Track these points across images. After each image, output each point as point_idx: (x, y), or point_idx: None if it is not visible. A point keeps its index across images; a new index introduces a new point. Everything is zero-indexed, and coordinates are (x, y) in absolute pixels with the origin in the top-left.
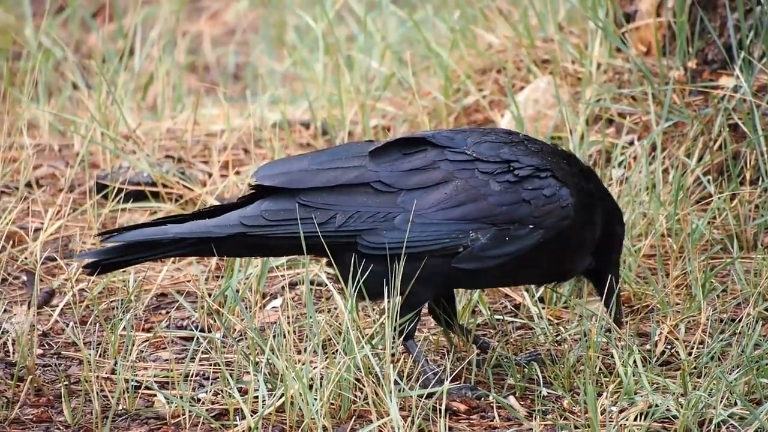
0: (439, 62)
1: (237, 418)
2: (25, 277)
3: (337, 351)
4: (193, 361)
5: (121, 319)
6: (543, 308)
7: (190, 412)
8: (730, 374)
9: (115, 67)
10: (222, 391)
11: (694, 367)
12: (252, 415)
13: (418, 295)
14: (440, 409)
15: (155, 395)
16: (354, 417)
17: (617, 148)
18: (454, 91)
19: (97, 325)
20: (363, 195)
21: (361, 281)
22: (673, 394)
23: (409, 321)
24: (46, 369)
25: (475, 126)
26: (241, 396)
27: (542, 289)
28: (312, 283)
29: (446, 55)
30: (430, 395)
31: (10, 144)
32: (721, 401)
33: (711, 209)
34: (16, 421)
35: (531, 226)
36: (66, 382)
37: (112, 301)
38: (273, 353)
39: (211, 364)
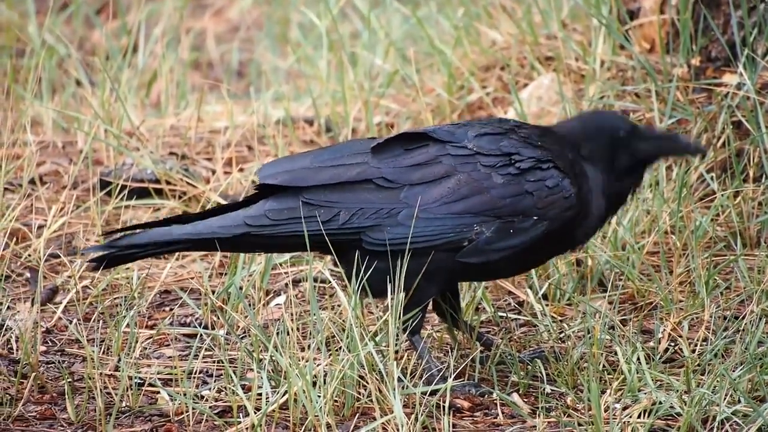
0: (443, 59)
1: (240, 415)
2: (28, 274)
3: (340, 348)
4: (197, 358)
5: (124, 316)
6: (546, 305)
7: (193, 409)
8: (733, 371)
9: (118, 64)
10: (225, 388)
11: (698, 365)
12: (255, 413)
13: (423, 290)
14: (444, 406)
15: (159, 392)
16: (357, 414)
17: None
18: (458, 88)
19: (101, 322)
20: (366, 191)
21: (365, 278)
22: (677, 391)
23: (416, 316)
24: (49, 366)
25: (472, 119)
26: (244, 393)
27: (546, 286)
28: (315, 280)
29: (450, 52)
30: (433, 392)
31: (13, 141)
32: (725, 398)
33: (714, 206)
34: (19, 418)
35: (535, 218)
36: (69, 379)
37: (115, 298)
38: (276, 350)
39: (214, 361)
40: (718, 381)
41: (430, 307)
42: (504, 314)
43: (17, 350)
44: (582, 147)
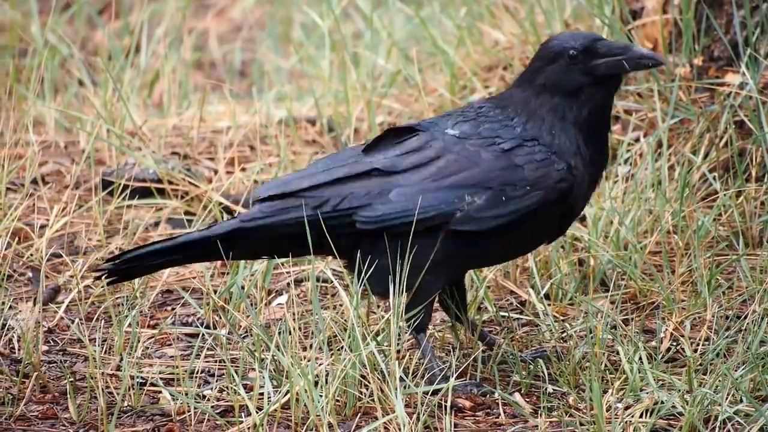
0: (446, 59)
1: (242, 414)
2: (30, 274)
3: (342, 348)
4: (199, 358)
5: (126, 316)
6: (548, 305)
7: (195, 408)
8: (735, 371)
9: (121, 64)
10: (227, 387)
11: (700, 364)
12: (257, 412)
13: (428, 285)
14: (446, 406)
15: (160, 392)
16: (359, 414)
17: (623, 144)
18: (461, 88)
19: (103, 321)
20: (358, 180)
21: (367, 278)
22: (679, 391)
23: (421, 313)
24: (51, 366)
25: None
26: (246, 393)
27: (548, 285)
28: (318, 279)
29: (452, 52)
30: (435, 392)
31: (15, 141)
32: (727, 398)
33: (717, 206)
34: (21, 418)
35: (528, 187)
36: (71, 379)
37: (117, 298)
38: (278, 350)
39: (216, 361)
40: (720, 381)
41: (436, 303)
42: (506, 314)
43: (19, 350)
44: (538, 76)
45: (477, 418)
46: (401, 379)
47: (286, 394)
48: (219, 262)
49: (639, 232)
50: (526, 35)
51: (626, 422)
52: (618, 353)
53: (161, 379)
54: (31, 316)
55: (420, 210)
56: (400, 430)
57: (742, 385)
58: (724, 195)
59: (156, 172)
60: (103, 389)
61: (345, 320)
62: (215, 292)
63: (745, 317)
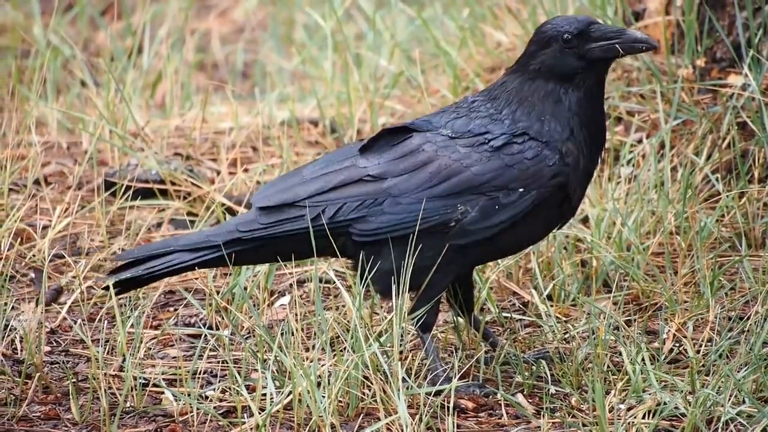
0: (448, 60)
1: (245, 415)
2: (33, 275)
3: (345, 348)
4: (201, 359)
5: (129, 317)
6: (551, 306)
7: (198, 409)
8: (738, 372)
9: (123, 64)
10: (230, 388)
11: (703, 365)
12: (260, 413)
13: (434, 284)
14: (448, 407)
15: (163, 392)
16: (362, 414)
17: (626, 146)
18: (463, 89)
19: (105, 322)
20: (352, 188)
21: (370, 278)
22: (681, 391)
23: (427, 312)
24: (53, 366)
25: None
26: (249, 393)
27: (550, 286)
28: (320, 280)
29: (455, 53)
30: (438, 393)
31: (18, 142)
32: (729, 399)
33: (719, 207)
34: (23, 419)
35: (521, 190)
36: (74, 380)
37: (120, 299)
38: (281, 351)
39: (219, 362)
40: (722, 382)
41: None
42: (508, 315)
43: (21, 350)
44: (532, 61)
45: (479, 419)
46: (404, 380)
47: (288, 395)
48: None
49: (642, 233)
50: (528, 36)
51: (629, 423)
52: (621, 354)
53: (164, 379)
54: (34, 317)
55: (414, 222)
56: (402, 430)
57: (745, 386)
58: (727, 196)
59: (158, 173)
60: (105, 390)
61: (348, 321)
62: (218, 292)
63: (748, 318)
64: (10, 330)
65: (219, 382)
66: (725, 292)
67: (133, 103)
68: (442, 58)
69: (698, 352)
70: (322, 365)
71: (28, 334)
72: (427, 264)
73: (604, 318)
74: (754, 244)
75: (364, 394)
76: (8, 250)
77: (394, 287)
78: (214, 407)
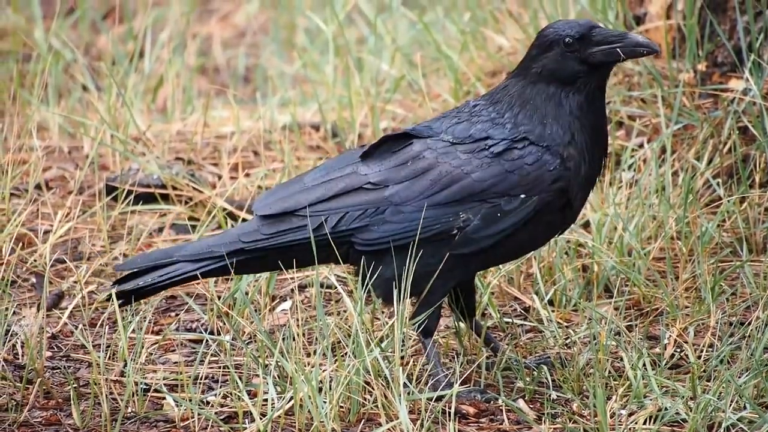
0: (449, 64)
1: (246, 421)
2: (34, 280)
3: (346, 354)
4: (203, 364)
5: (130, 322)
6: (552, 311)
7: (199, 414)
8: (739, 378)
9: (125, 69)
10: (231, 393)
11: (704, 371)
12: (261, 418)
13: (435, 289)
14: (449, 412)
15: (164, 398)
16: (363, 420)
17: (627, 150)
18: (465, 93)
19: (106, 327)
20: (354, 197)
21: (373, 284)
22: (683, 397)
23: (429, 317)
24: (55, 371)
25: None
26: (250, 399)
27: (552, 292)
28: (321, 285)
29: (456, 57)
30: (439, 398)
31: (19, 146)
32: (731, 405)
33: (720, 212)
34: (25, 424)
35: (522, 196)
36: (75, 385)
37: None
38: (282, 356)
39: (220, 367)
40: (723, 387)
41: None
42: (510, 320)
43: (23, 356)
44: (534, 64)
45: (481, 425)
46: (405, 386)
47: (289, 401)
48: None
49: (643, 238)
50: (529, 40)
51: (630, 429)
52: (622, 359)
53: (165, 385)
54: (35, 322)
55: (415, 231)
56: None
57: (746, 392)
58: (728, 201)
59: (160, 178)
60: (106, 395)
61: (349, 326)
62: (219, 298)
63: (749, 324)
64: (12, 335)
65: (220, 387)
66: (726, 297)
67: (135, 107)
68: (443, 62)
69: (699, 357)
70: (324, 370)
71: (29, 339)
72: (428, 270)
73: (606, 323)
74: (755, 249)
75: (365, 399)
76: (9, 254)
77: (395, 293)
78: (216, 413)
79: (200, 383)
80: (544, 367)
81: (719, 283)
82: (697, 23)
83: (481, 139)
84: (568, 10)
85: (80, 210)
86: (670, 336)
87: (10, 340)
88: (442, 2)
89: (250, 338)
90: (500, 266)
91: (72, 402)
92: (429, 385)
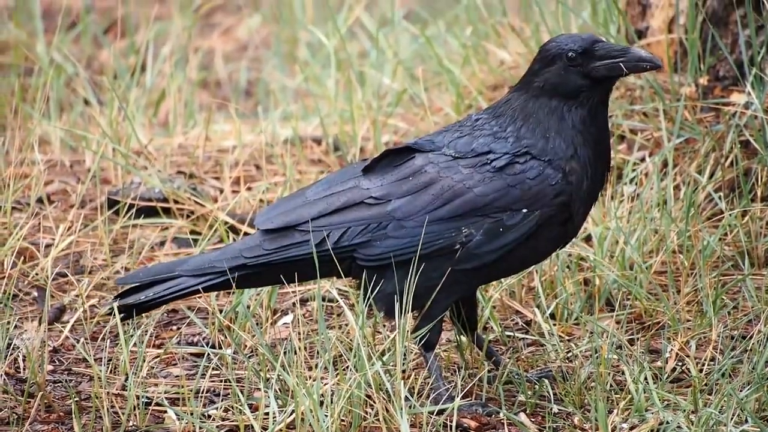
0: (451, 78)
1: None
2: (35, 293)
3: (348, 367)
4: (204, 378)
5: (131, 335)
6: (554, 325)
7: (200, 428)
8: (741, 391)
9: (126, 83)
10: (232, 407)
11: (705, 384)
12: None
13: (437, 303)
14: (451, 426)
15: (166, 411)
16: None
17: (629, 164)
18: (466, 107)
19: (108, 341)
20: (356, 212)
21: (375, 299)
22: (684, 411)
23: (430, 331)
24: (56, 385)
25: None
26: (251, 412)
27: (553, 305)
28: (323, 299)
29: (458, 71)
30: (441, 412)
31: (21, 160)
32: (732, 418)
33: (722, 226)
34: None
35: (524, 211)
36: (77, 399)
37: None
38: (284, 369)
39: (221, 381)
40: (725, 401)
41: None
42: (511, 333)
43: (24, 369)
44: (536, 78)
45: None
46: (406, 399)
47: (291, 414)
48: None
49: (644, 252)
50: (531, 54)
51: None
52: (623, 373)
53: (166, 398)
54: (37, 336)
55: (417, 247)
56: None
57: (748, 406)
58: (730, 215)
59: (162, 192)
60: (108, 409)
61: (350, 340)
62: (221, 311)
63: (751, 337)
64: (13, 349)
65: (222, 400)
66: (728, 311)
67: (137, 121)
68: (445, 76)
69: (701, 371)
70: (325, 384)
71: (30, 352)
72: (430, 285)
73: (607, 337)
74: (757, 263)
75: (366, 413)
76: (11, 268)
77: (397, 307)
78: (217, 426)
79: (202, 397)
80: (546, 381)
81: (721, 297)
82: (698, 37)
83: (483, 153)
84: (570, 23)
85: (82, 224)
86: (672, 349)
87: (11, 354)
88: (443, 16)
89: (252, 352)
90: (502, 280)
91: (73, 415)
92: (430, 398)
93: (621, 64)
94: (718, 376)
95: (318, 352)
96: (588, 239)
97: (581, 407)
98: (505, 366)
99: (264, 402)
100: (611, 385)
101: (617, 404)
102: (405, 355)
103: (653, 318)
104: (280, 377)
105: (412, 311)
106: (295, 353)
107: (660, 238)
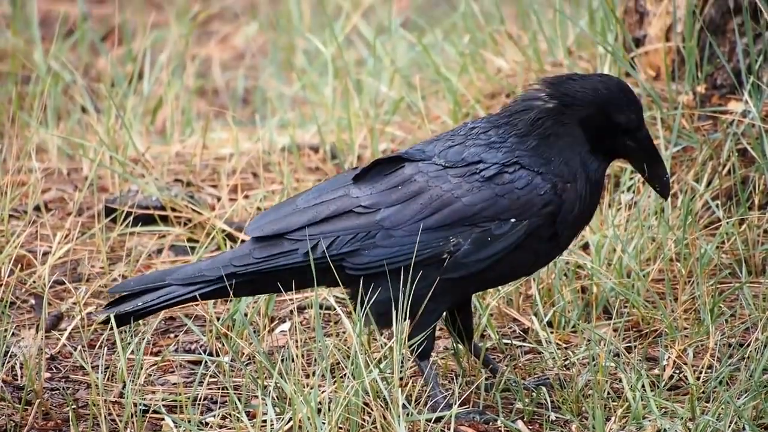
0: (448, 86)
1: None
2: (33, 301)
3: (345, 375)
4: (202, 385)
5: (129, 343)
6: (551, 332)
7: None
8: (738, 399)
9: (124, 90)
10: (230, 415)
11: (703, 392)
12: None
13: (429, 312)
14: None
15: (163, 419)
16: None
17: (626, 172)
18: (463, 115)
19: (105, 348)
20: (344, 220)
21: (369, 309)
22: (682, 418)
23: (424, 340)
24: (54, 393)
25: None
26: (249, 420)
27: (551, 313)
28: (320, 306)
29: (455, 79)
30: (438, 419)
31: (18, 168)
32: (730, 426)
33: (719, 234)
34: None
35: (513, 220)
36: (74, 406)
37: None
38: (281, 377)
39: (219, 388)
40: (722, 408)
41: (440, 324)
42: (509, 341)
43: (22, 377)
44: (576, 113)
45: None
46: (404, 407)
47: (288, 422)
48: None
49: (642, 260)
50: (529, 62)
51: None
52: (621, 381)
53: (164, 406)
54: (34, 343)
55: (407, 255)
56: None
57: (745, 413)
58: (727, 223)
59: (159, 199)
60: (105, 416)
61: (348, 347)
62: (218, 319)
63: (748, 345)
64: (11, 356)
65: (219, 408)
66: (725, 318)
67: (134, 129)
68: (442, 84)
69: (698, 378)
70: (323, 392)
71: (28, 360)
72: (420, 294)
73: (605, 344)
74: (754, 270)
75: (364, 420)
76: (8, 276)
77: (388, 316)
78: None
79: (199, 404)
80: (543, 389)
81: (718, 305)
82: (696, 45)
83: (472, 163)
84: (567, 32)
85: (79, 231)
86: (669, 357)
87: (9, 362)
88: (441, 24)
89: (249, 359)
90: (499, 287)
91: (71, 423)
92: (428, 406)
93: (645, 165)
94: (716, 383)
95: (315, 360)
96: (585, 247)
97: (579, 415)
98: (503, 374)
99: (261, 410)
100: (609, 393)
101: (615, 412)
102: (402, 362)
103: (651, 326)
104: (278, 385)
105: (403, 320)
106: (293, 361)
107: (657, 246)
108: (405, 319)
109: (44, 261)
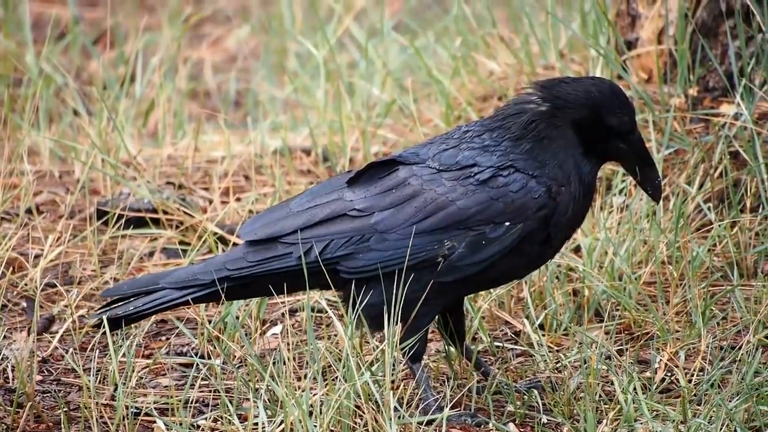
0: (441, 89)
1: None
2: (24, 304)
3: (337, 378)
4: (193, 388)
5: (121, 346)
6: (543, 335)
7: None
8: (730, 402)
9: (116, 93)
10: (222, 417)
11: (694, 395)
12: None
13: (421, 315)
14: None
15: (155, 422)
16: None
17: (618, 175)
18: (456, 118)
19: (97, 351)
20: (339, 224)
21: (362, 312)
22: (673, 421)
23: (416, 343)
24: (45, 395)
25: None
26: (240, 423)
27: (542, 316)
28: (312, 309)
29: (447, 82)
30: (430, 422)
31: (10, 170)
32: (721, 429)
33: (711, 237)
34: None
35: (507, 224)
36: (66, 409)
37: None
38: (273, 380)
39: (210, 391)
40: (714, 411)
41: (433, 328)
42: (500, 344)
43: (13, 379)
44: (568, 115)
45: None
46: (396, 409)
47: (280, 425)
48: None
49: (633, 263)
50: (521, 65)
51: None
52: (612, 384)
53: (156, 408)
54: (26, 346)
55: (401, 258)
56: None
57: (737, 416)
58: (719, 226)
59: (151, 202)
60: (97, 419)
61: (340, 350)
62: (210, 322)
63: (740, 348)
64: (2, 359)
65: (211, 411)
66: (717, 321)
67: (126, 131)
68: (434, 87)
69: (690, 381)
70: (314, 394)
71: (19, 363)
72: (413, 297)
73: (596, 347)
74: (746, 273)
75: (355, 423)
76: (0, 279)
77: (383, 319)
78: None
79: (191, 407)
80: (535, 391)
81: (710, 308)
82: (688, 48)
83: (467, 167)
84: (560, 35)
85: (71, 234)
86: (661, 360)
87: (0, 364)
88: (433, 27)
89: (241, 362)
90: (491, 290)
91: (62, 426)
92: (419, 409)
93: (637, 167)
94: (707, 386)
95: (307, 363)
96: (577, 250)
97: (570, 418)
98: (494, 376)
99: (253, 412)
100: (600, 396)
101: (606, 415)
102: (394, 365)
103: (642, 328)
104: (269, 387)
105: (395, 323)
106: (284, 363)
107: (649, 249)
108: (397, 322)
109: (36, 264)
